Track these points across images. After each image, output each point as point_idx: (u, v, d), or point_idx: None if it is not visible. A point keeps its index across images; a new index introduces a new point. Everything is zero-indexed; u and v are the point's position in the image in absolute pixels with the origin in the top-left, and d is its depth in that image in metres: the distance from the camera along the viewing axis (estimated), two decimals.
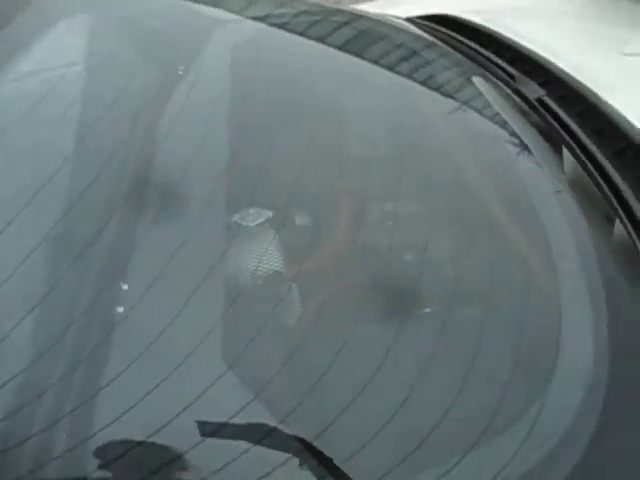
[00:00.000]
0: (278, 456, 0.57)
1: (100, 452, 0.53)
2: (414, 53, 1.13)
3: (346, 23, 1.19)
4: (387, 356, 0.66)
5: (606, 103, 0.98)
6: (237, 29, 1.12)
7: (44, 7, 1.08)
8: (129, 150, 0.80)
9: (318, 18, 1.18)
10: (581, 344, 0.70)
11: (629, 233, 0.81)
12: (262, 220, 0.80)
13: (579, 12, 1.35)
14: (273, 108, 0.95)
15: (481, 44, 1.17)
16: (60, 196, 0.71)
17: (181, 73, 0.98)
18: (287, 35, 1.14)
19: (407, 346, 0.67)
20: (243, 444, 0.58)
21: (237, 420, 0.58)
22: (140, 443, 0.55)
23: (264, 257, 0.76)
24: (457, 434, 0.60)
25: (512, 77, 1.09)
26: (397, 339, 0.69)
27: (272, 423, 0.58)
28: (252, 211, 0.80)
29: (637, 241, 0.80)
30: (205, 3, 1.21)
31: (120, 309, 0.63)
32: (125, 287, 0.66)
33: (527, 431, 0.62)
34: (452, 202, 0.83)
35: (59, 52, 1.02)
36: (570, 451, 0.61)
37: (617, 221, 0.84)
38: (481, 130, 1.00)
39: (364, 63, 1.09)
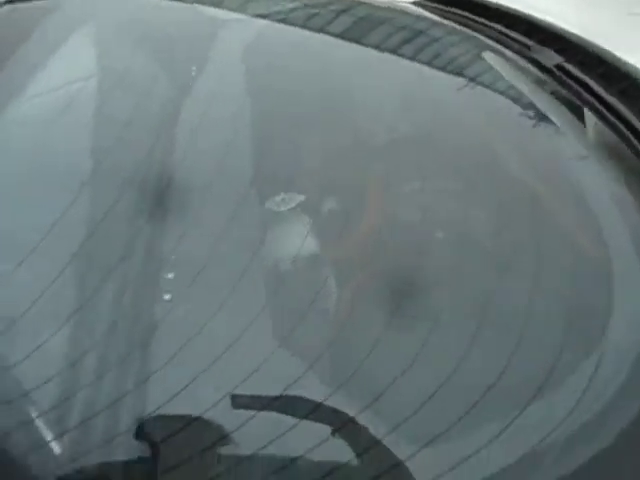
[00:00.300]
0: (328, 429, 0.56)
1: (154, 430, 0.53)
2: (425, 35, 1.13)
3: (356, 12, 1.19)
4: (437, 326, 0.65)
5: (627, 63, 0.97)
6: (247, 26, 1.12)
7: (56, 20, 1.09)
8: (160, 142, 0.80)
9: (329, 9, 1.18)
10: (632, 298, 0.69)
11: None
12: (294, 205, 0.79)
13: None
14: (295, 95, 0.94)
15: (492, 19, 1.16)
16: (104, 181, 0.71)
17: (194, 74, 0.98)
18: (299, 27, 1.14)
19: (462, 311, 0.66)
20: (291, 420, 0.57)
21: (284, 396, 0.58)
22: (193, 421, 0.55)
23: (297, 240, 0.75)
24: (518, 388, 0.58)
25: (527, 47, 1.08)
26: (444, 309, 0.68)
27: (320, 398, 0.57)
28: (284, 196, 0.80)
29: None
30: (211, 4, 1.21)
31: (167, 296, 0.63)
32: (170, 276, 0.65)
33: (585, 384, 0.61)
34: (490, 170, 0.82)
35: (77, 63, 1.02)
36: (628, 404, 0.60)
37: None
38: (504, 102, 0.99)
39: (382, 49, 1.09)
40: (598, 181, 0.85)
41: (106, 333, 0.58)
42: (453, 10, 1.22)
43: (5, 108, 0.90)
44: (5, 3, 1.02)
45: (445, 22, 1.18)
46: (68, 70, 1.00)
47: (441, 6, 1.24)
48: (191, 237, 0.70)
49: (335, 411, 0.57)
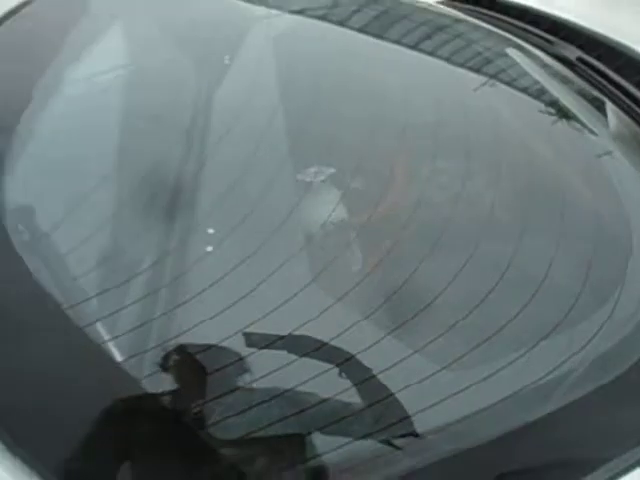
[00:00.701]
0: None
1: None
2: (453, 31, 1.18)
3: (385, 10, 1.25)
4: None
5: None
6: (282, 19, 1.18)
7: (94, 14, 1.15)
8: (201, 116, 0.86)
9: (359, 7, 1.24)
10: None
11: None
12: (324, 177, 0.85)
13: None
14: (329, 84, 1.00)
15: (515, 18, 1.21)
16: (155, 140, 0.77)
17: (227, 62, 1.04)
18: (333, 24, 1.20)
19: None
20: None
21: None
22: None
23: (324, 206, 0.80)
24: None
25: (550, 42, 1.12)
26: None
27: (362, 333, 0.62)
28: (315, 169, 0.85)
29: None
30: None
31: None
32: (211, 231, 0.71)
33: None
34: (521, 158, 0.87)
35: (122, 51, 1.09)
36: None
37: None
38: (531, 94, 1.03)
39: (416, 45, 1.14)
40: (620, 169, 0.89)
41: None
42: (479, 9, 1.27)
43: (54, 90, 0.96)
44: None
45: (472, 19, 1.24)
46: (116, 56, 1.06)
47: (468, 6, 1.29)
48: (233, 198, 0.75)
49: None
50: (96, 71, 1.02)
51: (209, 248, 0.69)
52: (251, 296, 0.61)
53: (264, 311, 0.61)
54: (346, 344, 0.61)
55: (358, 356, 0.60)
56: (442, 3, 1.31)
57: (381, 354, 0.61)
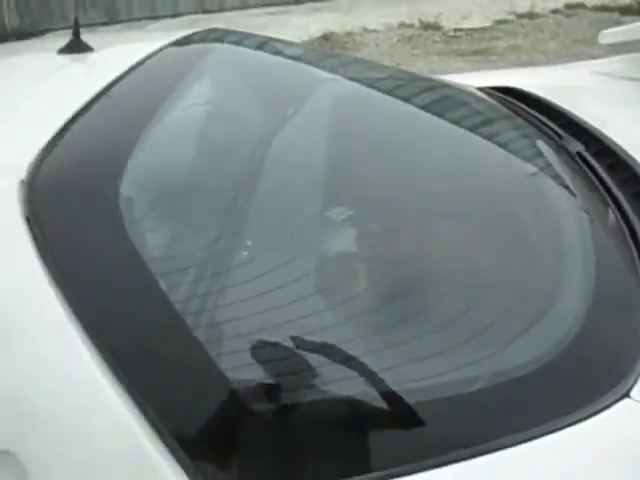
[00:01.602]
0: None
1: None
2: (485, 117, 1.42)
3: (431, 88, 1.50)
4: None
5: (631, 156, 1.22)
6: (337, 86, 1.44)
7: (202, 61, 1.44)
8: (264, 153, 1.12)
9: (411, 83, 1.50)
10: None
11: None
12: (345, 216, 1.09)
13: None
14: (369, 143, 1.25)
15: (537, 110, 1.44)
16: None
17: (290, 114, 1.30)
18: (380, 93, 1.46)
19: None
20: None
21: None
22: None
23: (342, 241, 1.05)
24: None
25: (560, 136, 1.34)
26: None
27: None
28: (339, 209, 1.09)
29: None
30: (310, 63, 1.55)
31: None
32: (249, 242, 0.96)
33: None
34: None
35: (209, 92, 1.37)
36: None
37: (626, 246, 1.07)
38: (536, 176, 1.25)
39: (444, 121, 1.38)
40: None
41: None
42: (508, 98, 1.50)
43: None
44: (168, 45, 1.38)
45: (502, 107, 1.47)
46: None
47: (499, 94, 1.53)
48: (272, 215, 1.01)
49: None
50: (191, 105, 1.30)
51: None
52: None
53: None
54: None
55: None
56: (480, 89, 1.55)
57: None
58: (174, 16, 7.67)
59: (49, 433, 0.73)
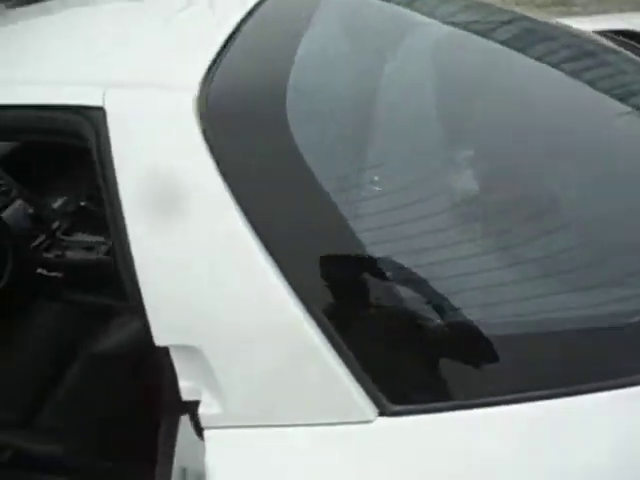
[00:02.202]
0: None
1: None
2: (609, 60, 1.40)
3: (551, 30, 1.48)
4: None
5: None
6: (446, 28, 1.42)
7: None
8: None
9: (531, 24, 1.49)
10: None
11: None
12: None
13: None
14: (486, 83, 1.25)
15: None
16: None
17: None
18: (484, 35, 1.44)
19: None
20: None
21: None
22: None
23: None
24: None
25: None
26: None
27: None
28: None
29: None
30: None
31: None
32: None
33: None
34: None
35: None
36: None
37: None
38: None
39: (565, 63, 1.37)
40: None
41: None
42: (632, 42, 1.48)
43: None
44: None
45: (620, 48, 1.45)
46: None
47: (616, 36, 1.51)
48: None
49: None
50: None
51: None
52: None
53: None
54: None
55: None
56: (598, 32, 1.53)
57: None
58: None
59: (231, 331, 0.79)
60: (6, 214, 1.60)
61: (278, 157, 0.86)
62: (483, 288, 0.82)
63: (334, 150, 0.93)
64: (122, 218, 0.83)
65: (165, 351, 0.84)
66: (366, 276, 0.83)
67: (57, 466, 1.33)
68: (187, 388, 0.84)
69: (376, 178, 0.91)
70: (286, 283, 0.78)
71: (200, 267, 0.81)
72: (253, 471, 0.79)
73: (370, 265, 0.82)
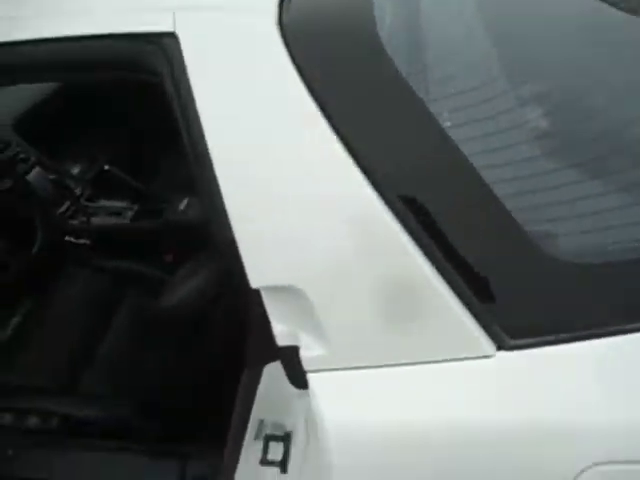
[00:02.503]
0: None
1: None
2: None
3: None
4: None
5: None
6: None
7: None
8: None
9: None
10: None
11: None
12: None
13: None
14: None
15: None
16: None
17: None
18: None
19: None
20: None
21: None
22: None
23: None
24: None
25: None
26: None
27: None
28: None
29: None
30: None
31: None
32: None
33: None
34: None
35: None
36: None
37: None
38: None
39: None
40: None
41: None
42: None
43: None
44: None
45: None
46: None
47: None
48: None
49: None
50: None
51: None
52: None
53: None
54: None
55: None
56: None
57: None
58: None
59: (332, 271, 0.74)
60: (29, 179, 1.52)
61: (365, 68, 0.78)
62: (603, 213, 0.77)
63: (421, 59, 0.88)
64: (208, 155, 0.77)
65: (255, 298, 0.78)
66: (480, 208, 0.78)
67: (106, 431, 1.28)
68: (283, 332, 0.79)
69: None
70: (387, 208, 0.73)
71: (295, 198, 0.75)
72: (368, 413, 0.74)
73: (485, 196, 0.76)
